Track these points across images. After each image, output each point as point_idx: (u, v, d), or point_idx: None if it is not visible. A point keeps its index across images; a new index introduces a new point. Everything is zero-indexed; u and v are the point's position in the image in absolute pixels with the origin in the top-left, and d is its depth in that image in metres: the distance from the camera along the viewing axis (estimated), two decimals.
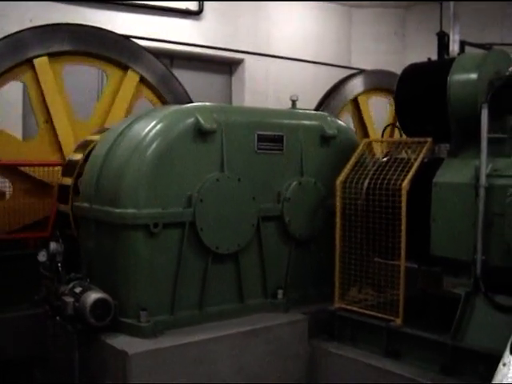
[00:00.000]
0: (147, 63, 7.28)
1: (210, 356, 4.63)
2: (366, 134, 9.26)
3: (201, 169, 4.91)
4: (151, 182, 4.67)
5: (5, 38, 6.33)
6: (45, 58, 6.54)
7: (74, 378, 4.71)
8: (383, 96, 9.84)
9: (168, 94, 7.39)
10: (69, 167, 5.87)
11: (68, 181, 5.74)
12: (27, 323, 5.68)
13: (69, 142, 6.54)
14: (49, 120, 6.62)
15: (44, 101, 6.58)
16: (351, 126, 8.99)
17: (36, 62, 6.50)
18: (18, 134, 8.29)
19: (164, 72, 7.43)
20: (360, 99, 9.48)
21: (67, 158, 6.12)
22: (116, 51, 7.02)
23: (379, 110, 9.82)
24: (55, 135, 6.64)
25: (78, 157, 5.77)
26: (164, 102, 7.27)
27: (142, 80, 7.23)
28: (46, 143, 6.65)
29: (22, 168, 6.40)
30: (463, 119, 4.99)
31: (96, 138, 5.74)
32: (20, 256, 6.04)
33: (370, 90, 9.70)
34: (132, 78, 7.16)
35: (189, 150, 4.85)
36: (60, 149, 6.63)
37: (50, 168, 6.44)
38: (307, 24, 13.07)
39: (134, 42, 7.39)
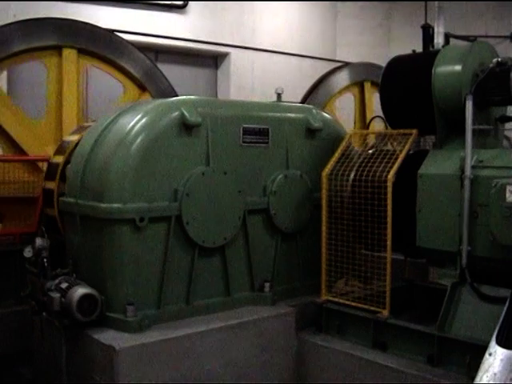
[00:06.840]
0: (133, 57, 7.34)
1: (198, 350, 4.62)
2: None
3: (186, 162, 4.89)
4: (136, 176, 4.64)
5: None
6: (74, 51, 6.92)
7: (62, 374, 4.70)
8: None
9: (153, 88, 7.46)
10: (51, 171, 5.79)
11: (52, 185, 5.65)
12: (13, 319, 5.67)
13: (71, 129, 6.63)
14: (58, 104, 6.91)
15: (60, 87, 6.89)
16: None
17: (65, 50, 6.86)
18: None
19: (149, 66, 7.49)
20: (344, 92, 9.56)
21: (49, 161, 6.04)
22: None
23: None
24: (60, 118, 6.90)
25: (59, 159, 5.67)
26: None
27: None
28: (52, 123, 6.91)
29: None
30: (448, 111, 5.01)
31: (74, 138, 5.64)
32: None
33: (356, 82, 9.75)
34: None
35: (174, 143, 4.82)
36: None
37: None
38: (292, 17, 13.06)
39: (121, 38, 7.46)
